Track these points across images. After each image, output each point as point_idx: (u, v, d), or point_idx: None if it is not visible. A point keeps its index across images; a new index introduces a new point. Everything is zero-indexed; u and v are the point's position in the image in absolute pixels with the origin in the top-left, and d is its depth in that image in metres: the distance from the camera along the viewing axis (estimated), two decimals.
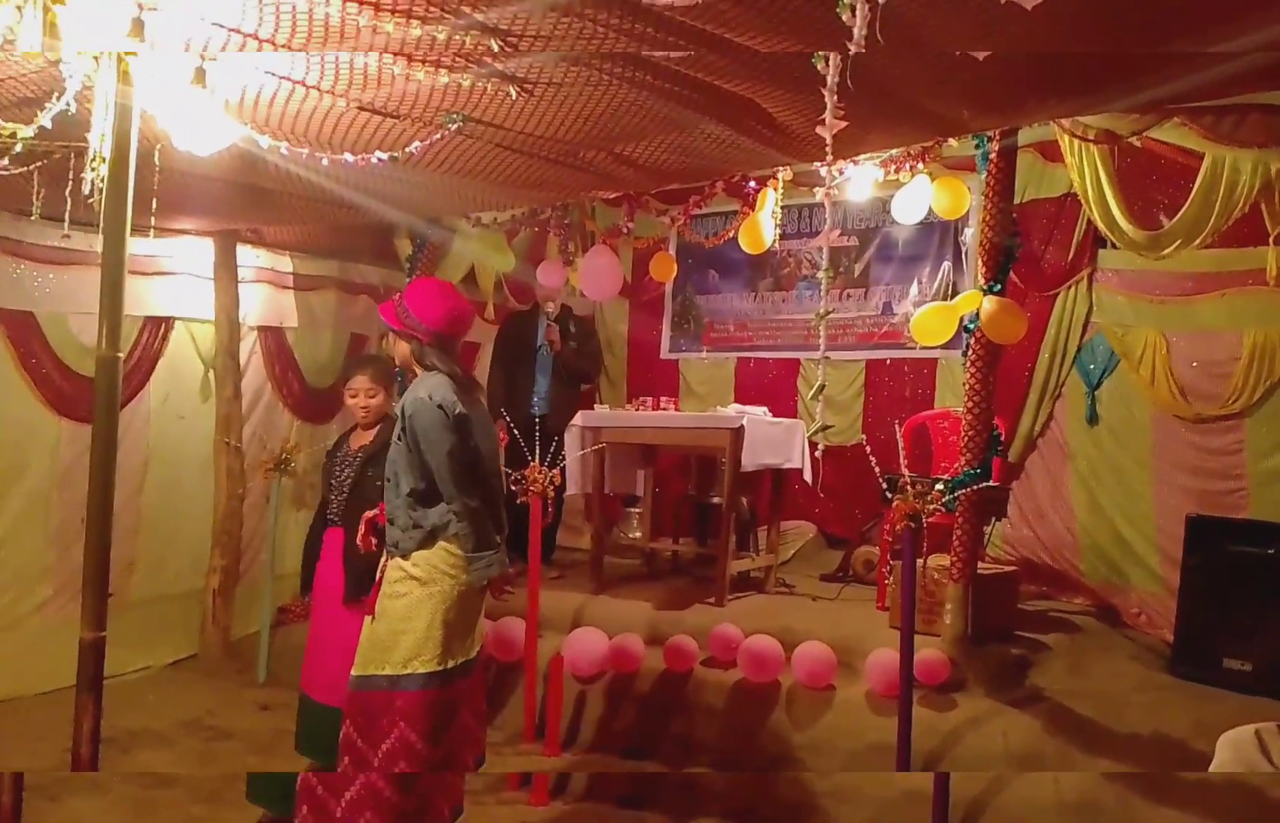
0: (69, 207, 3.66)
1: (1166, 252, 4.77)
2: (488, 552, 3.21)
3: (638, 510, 6.72)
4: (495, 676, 5.02)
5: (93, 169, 2.79)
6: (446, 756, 3.24)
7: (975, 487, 4.39)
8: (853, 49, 1.96)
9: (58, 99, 2.94)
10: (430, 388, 3.26)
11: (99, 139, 2.76)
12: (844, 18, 1.96)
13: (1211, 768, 2.74)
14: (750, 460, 5.43)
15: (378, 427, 4.06)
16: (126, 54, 2.64)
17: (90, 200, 2.82)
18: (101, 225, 2.76)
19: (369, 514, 3.50)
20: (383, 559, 3.37)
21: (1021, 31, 2.42)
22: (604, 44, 2.62)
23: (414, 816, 3.15)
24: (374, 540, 3.47)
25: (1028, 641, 4.99)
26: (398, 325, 3.38)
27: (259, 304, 6.50)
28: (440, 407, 3.21)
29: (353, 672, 3.26)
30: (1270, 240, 4.54)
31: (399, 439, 3.27)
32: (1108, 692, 4.55)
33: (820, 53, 2.54)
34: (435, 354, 3.35)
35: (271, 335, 6.60)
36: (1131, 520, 5.73)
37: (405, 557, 3.23)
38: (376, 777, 3.13)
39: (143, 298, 5.77)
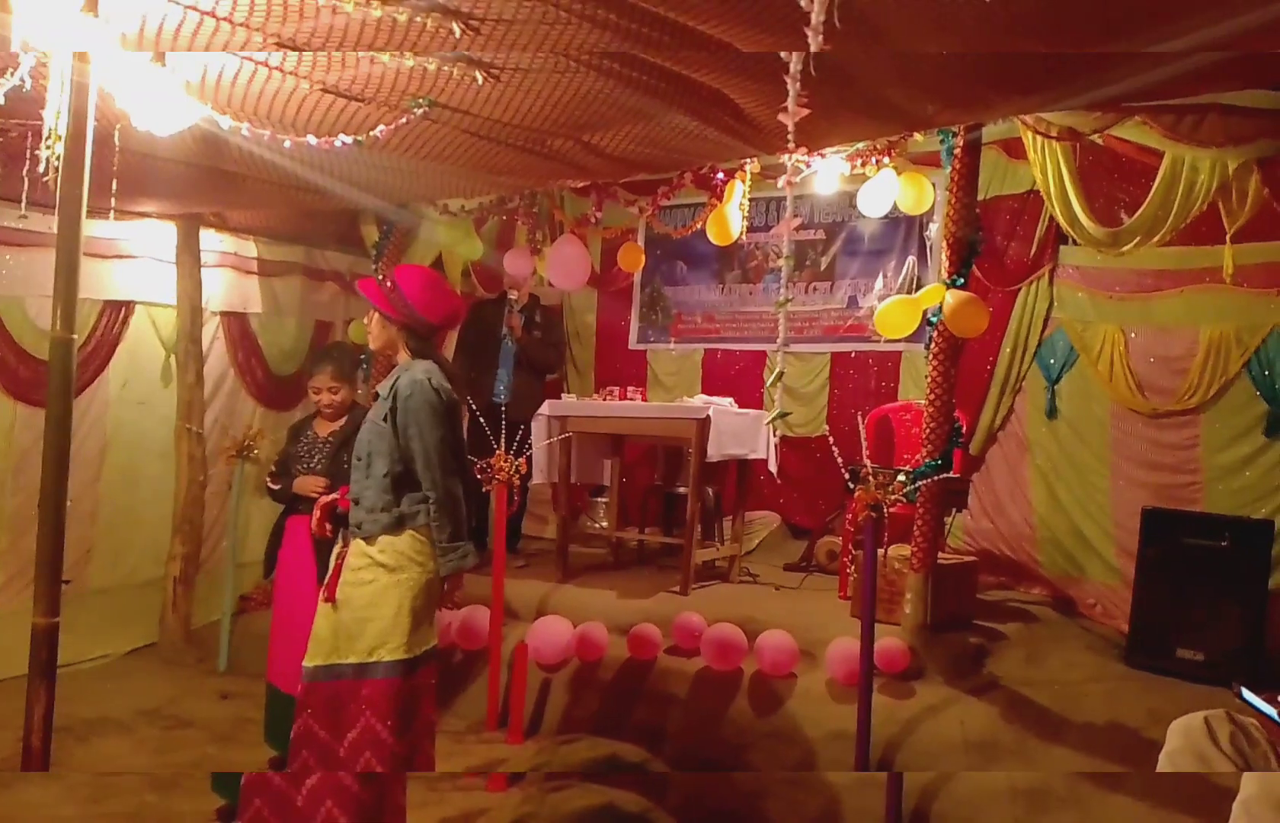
0: (25, 187, 3.59)
1: (1126, 248, 4.84)
2: (462, 542, 3.18)
3: (604, 500, 6.73)
4: (459, 664, 5.02)
5: (48, 147, 2.74)
6: (411, 746, 3.21)
7: (936, 478, 4.45)
8: (810, 36, 1.97)
9: (11, 75, 2.88)
10: (428, 371, 3.23)
11: (54, 116, 2.71)
12: (802, 3, 1.97)
13: (1162, 755, 2.78)
14: (716, 451, 5.45)
15: (344, 415, 4.04)
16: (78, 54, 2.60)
17: (46, 179, 2.77)
18: (57, 205, 2.72)
19: (325, 499, 3.42)
20: (338, 545, 3.32)
21: (979, 27, 2.45)
22: (567, 30, 2.61)
23: (374, 806, 3.12)
24: (329, 526, 3.40)
25: (986, 630, 5.05)
26: (390, 311, 3.30)
27: (222, 289, 6.43)
28: (438, 392, 3.19)
29: (309, 662, 3.20)
30: (1227, 239, 4.61)
31: (384, 420, 3.21)
32: (1064, 681, 4.62)
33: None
34: (424, 344, 3.32)
35: (235, 321, 6.54)
36: (1089, 513, 5.81)
37: (369, 541, 3.18)
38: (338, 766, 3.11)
39: (102, 281, 5.69)
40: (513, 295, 6.35)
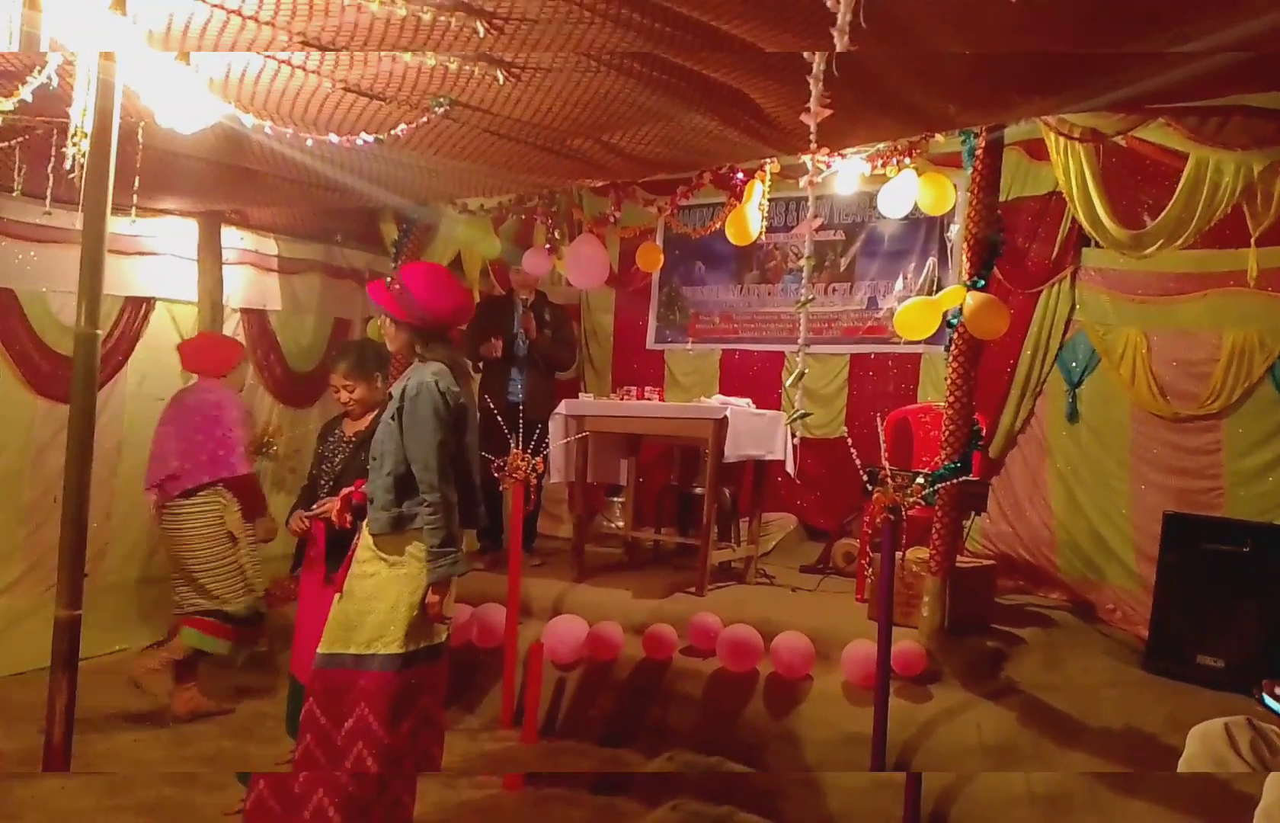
0: (50, 183, 3.64)
1: (1149, 251, 4.80)
2: (452, 549, 3.19)
3: (620, 500, 6.72)
4: (475, 661, 5.03)
5: (74, 144, 2.77)
6: (406, 741, 3.23)
7: (955, 481, 4.42)
8: (836, 36, 1.96)
9: (39, 73, 2.91)
10: (436, 373, 3.24)
11: (80, 114, 2.74)
12: (828, 3, 1.97)
13: (1181, 761, 2.77)
14: (733, 451, 5.44)
15: (372, 413, 4.03)
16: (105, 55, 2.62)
17: (72, 176, 2.80)
18: (82, 200, 2.74)
19: (346, 491, 3.49)
20: (355, 537, 3.37)
21: (1004, 26, 2.43)
22: (590, 29, 2.62)
23: (366, 799, 3.14)
24: (349, 518, 3.45)
25: (1004, 634, 5.02)
26: (399, 313, 3.33)
27: (242, 286, 6.47)
28: (444, 395, 3.21)
29: (319, 649, 3.27)
30: (1251, 242, 4.57)
31: (392, 419, 3.25)
32: (1082, 686, 4.59)
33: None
34: (437, 343, 3.33)
35: (254, 318, 6.57)
36: (1109, 517, 5.77)
37: (378, 537, 3.24)
38: (370, 715, 3.13)
39: (124, 277, 5.73)
40: (522, 295, 6.32)
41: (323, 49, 2.83)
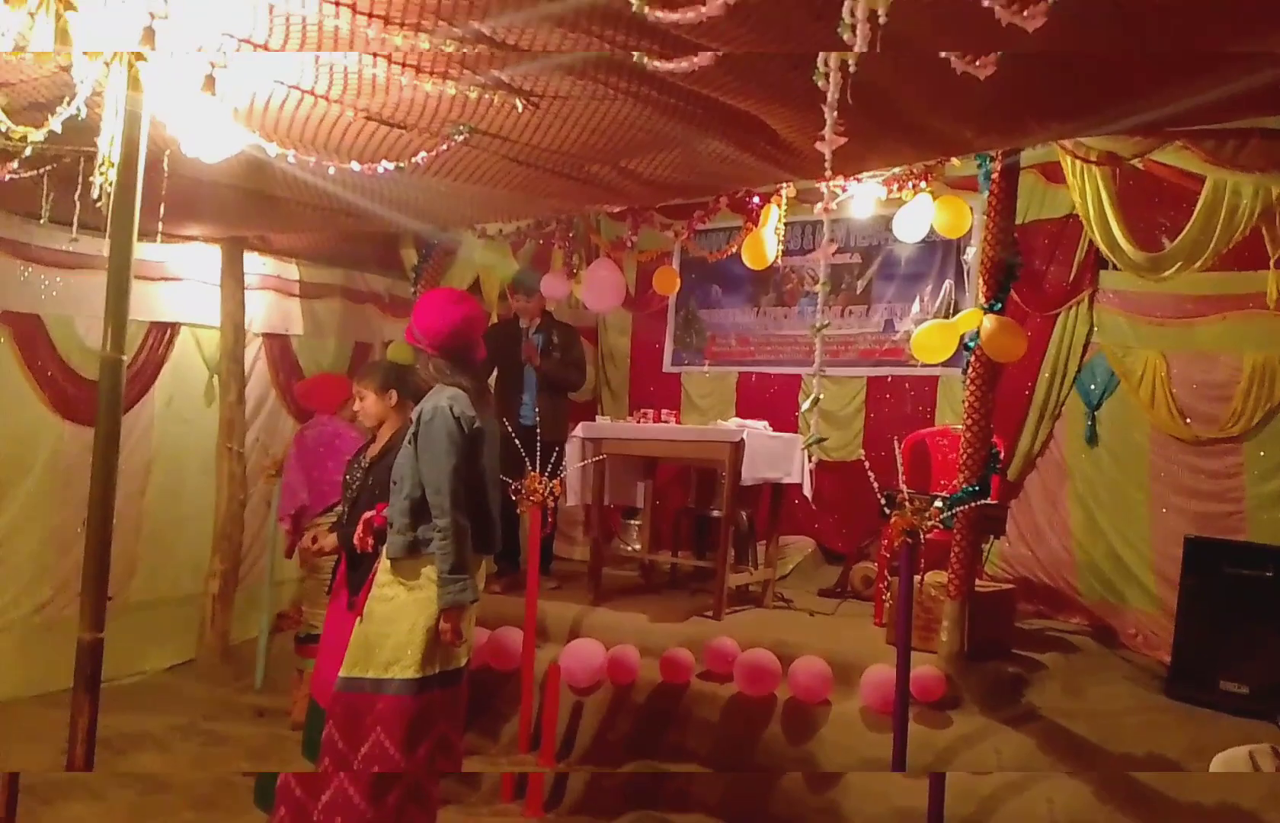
0: (77, 211, 3.69)
1: (1167, 274, 4.80)
2: (464, 576, 3.19)
3: (637, 522, 6.73)
4: (492, 684, 5.03)
5: (101, 173, 2.82)
6: (422, 766, 3.23)
7: (973, 504, 4.40)
8: (851, 61, 1.98)
9: (68, 103, 2.97)
10: (452, 397, 3.27)
11: (108, 143, 2.79)
12: (845, 38, 1.98)
13: None
14: (750, 474, 5.44)
15: (389, 436, 4.05)
16: (136, 57, 2.67)
17: (98, 204, 2.84)
18: (108, 227, 2.79)
19: (367, 515, 3.52)
20: (376, 561, 3.40)
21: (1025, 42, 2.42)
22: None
23: None
24: (371, 541, 3.48)
25: (1024, 659, 4.99)
26: (409, 339, 3.42)
27: (264, 311, 6.54)
28: (458, 420, 3.22)
29: (340, 672, 3.28)
30: (1271, 264, 4.56)
31: (409, 443, 3.28)
32: (1103, 712, 4.55)
33: (821, 69, 2.56)
34: (445, 367, 3.36)
35: (276, 342, 6.64)
36: (1129, 541, 5.73)
37: (395, 561, 3.26)
38: (350, 783, 3.14)
39: (149, 302, 5.81)
40: (523, 322, 6.25)
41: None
